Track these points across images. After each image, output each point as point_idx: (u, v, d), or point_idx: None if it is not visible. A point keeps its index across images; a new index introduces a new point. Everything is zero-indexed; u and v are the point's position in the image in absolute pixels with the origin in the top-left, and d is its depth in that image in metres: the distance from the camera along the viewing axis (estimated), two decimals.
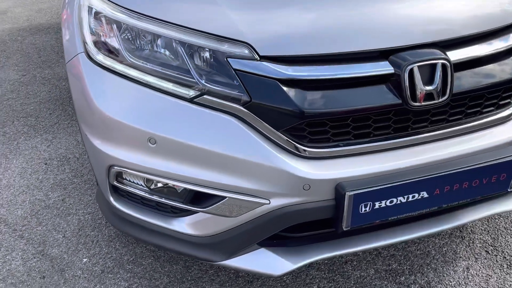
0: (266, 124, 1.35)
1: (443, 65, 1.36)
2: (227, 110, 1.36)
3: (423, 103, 1.37)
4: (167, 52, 1.41)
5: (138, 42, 1.44)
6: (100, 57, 1.46)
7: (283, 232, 1.50)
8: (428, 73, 1.36)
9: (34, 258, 2.05)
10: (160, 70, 1.40)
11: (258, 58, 1.33)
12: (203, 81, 1.37)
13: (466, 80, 1.44)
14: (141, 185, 1.50)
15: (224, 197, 1.40)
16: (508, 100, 1.54)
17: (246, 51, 1.34)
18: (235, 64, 1.34)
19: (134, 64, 1.42)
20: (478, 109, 1.50)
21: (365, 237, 1.56)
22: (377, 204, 1.39)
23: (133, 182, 1.51)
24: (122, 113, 1.42)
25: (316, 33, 1.37)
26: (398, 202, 1.41)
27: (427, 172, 1.40)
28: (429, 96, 1.37)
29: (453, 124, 1.48)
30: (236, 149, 1.35)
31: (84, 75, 1.49)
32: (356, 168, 1.39)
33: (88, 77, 1.48)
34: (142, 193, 1.51)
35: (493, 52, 1.46)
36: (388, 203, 1.40)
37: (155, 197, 1.49)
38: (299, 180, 1.35)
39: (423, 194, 1.42)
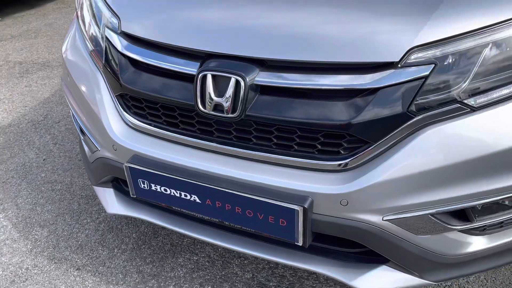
0: (109, 86, 1.62)
1: (237, 82, 1.32)
2: (98, 66, 1.69)
3: (211, 112, 1.38)
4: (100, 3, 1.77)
5: None
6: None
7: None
8: (223, 85, 1.35)
9: None
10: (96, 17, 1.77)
11: (119, 32, 1.59)
12: (100, 38, 1.71)
13: (276, 107, 1.33)
14: None
15: (84, 135, 1.77)
16: (337, 149, 1.32)
17: (117, 23, 1.61)
18: (106, 31, 1.64)
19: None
20: (291, 143, 1.36)
21: (185, 222, 1.65)
22: (153, 186, 1.50)
23: None
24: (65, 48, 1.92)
25: (163, 22, 1.52)
26: (172, 194, 1.48)
27: (202, 179, 1.42)
28: (220, 107, 1.37)
29: (257, 148, 1.40)
30: (91, 97, 1.68)
31: None
32: (152, 149, 1.52)
33: None
34: None
35: (321, 87, 1.29)
36: (162, 190, 1.49)
37: None
38: (109, 140, 1.59)
39: (194, 197, 1.45)
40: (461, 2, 1.28)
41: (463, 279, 1.88)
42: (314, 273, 1.52)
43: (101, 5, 1.71)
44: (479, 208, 1.37)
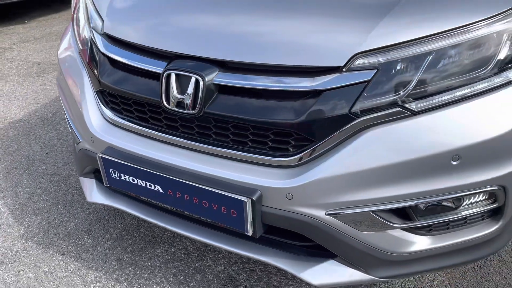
0: (91, 83, 1.75)
1: (196, 81, 1.43)
2: (84, 64, 1.82)
3: (174, 108, 1.49)
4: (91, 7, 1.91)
5: None
6: None
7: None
8: (185, 84, 1.46)
9: None
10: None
11: (101, 33, 1.73)
12: (88, 38, 1.84)
13: (232, 105, 1.43)
14: None
15: (72, 128, 1.91)
16: (286, 146, 1.41)
17: (100, 25, 1.75)
18: (93, 32, 1.77)
19: None
20: (245, 140, 1.45)
21: (154, 212, 1.76)
22: (122, 176, 1.62)
23: None
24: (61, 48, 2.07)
25: (138, 25, 1.65)
26: (138, 183, 1.59)
27: (164, 171, 1.52)
28: (182, 104, 1.47)
29: (216, 144, 1.50)
30: (76, 92, 1.81)
31: None
32: (125, 141, 1.64)
33: None
34: None
35: (272, 88, 1.39)
36: (130, 180, 1.60)
37: None
38: (88, 132, 1.72)
39: (158, 188, 1.55)
40: (407, 12, 1.36)
41: (427, 283, 1.93)
42: (268, 264, 1.59)
43: (91, 9, 1.85)
44: (423, 208, 1.43)
